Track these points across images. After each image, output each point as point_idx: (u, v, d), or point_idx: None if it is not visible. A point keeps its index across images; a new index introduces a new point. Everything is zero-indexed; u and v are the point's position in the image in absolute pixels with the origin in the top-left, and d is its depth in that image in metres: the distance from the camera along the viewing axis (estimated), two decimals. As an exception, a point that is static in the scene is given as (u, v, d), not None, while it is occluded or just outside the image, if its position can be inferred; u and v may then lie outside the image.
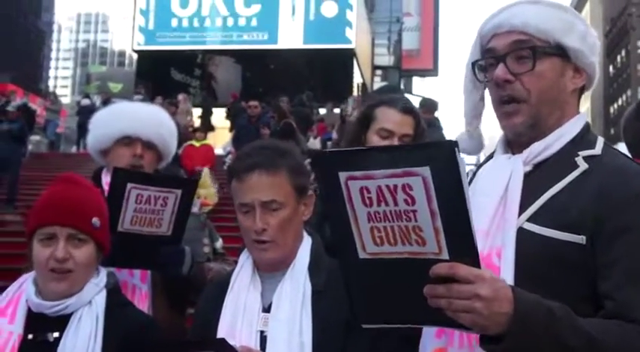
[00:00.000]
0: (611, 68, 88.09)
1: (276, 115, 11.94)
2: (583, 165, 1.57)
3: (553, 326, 1.34)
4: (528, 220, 1.54)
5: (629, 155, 2.68)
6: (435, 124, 9.29)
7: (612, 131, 78.69)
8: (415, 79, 42.97)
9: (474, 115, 1.81)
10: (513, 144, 1.70)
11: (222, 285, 1.96)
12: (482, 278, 1.29)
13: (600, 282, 1.48)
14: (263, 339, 1.81)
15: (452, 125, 30.93)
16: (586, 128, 1.67)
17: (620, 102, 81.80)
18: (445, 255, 1.29)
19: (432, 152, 1.25)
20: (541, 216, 1.53)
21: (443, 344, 1.54)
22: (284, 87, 20.04)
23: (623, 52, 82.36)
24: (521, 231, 1.53)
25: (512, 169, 1.61)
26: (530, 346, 1.33)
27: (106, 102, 21.67)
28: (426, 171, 1.24)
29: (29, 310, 2.01)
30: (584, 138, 1.64)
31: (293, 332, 1.78)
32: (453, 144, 1.23)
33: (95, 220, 2.00)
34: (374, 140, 2.74)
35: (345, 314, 1.54)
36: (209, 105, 19.13)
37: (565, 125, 1.64)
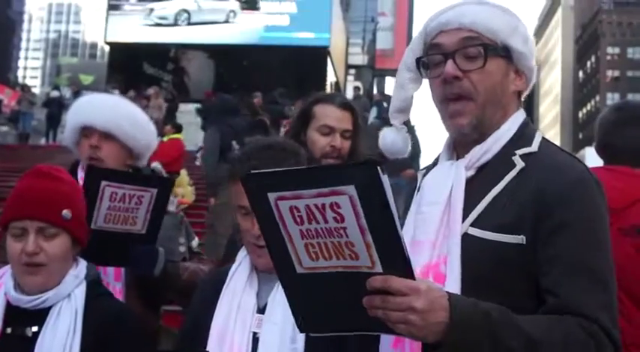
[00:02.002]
0: (581, 73, 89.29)
1: (248, 112, 11.88)
2: (520, 164, 1.58)
3: (491, 330, 1.36)
4: (472, 225, 1.55)
5: (600, 159, 2.73)
6: (409, 127, 9.30)
7: (580, 135, 79.77)
8: (388, 79, 43.16)
9: (402, 109, 1.81)
10: (457, 144, 1.70)
11: (217, 283, 1.92)
12: (417, 290, 1.31)
13: (541, 278, 1.50)
14: (255, 341, 1.78)
15: (425, 125, 31.10)
16: (524, 125, 1.68)
17: (589, 107, 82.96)
18: (378, 268, 1.31)
19: (356, 172, 1.28)
20: (483, 219, 1.55)
21: None
22: (257, 84, 19.99)
23: (593, 58, 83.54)
24: (466, 237, 1.54)
25: (454, 176, 1.62)
26: (470, 351, 1.35)
27: (76, 94, 21.48)
28: (351, 189, 1.26)
29: (8, 303, 1.99)
30: (522, 137, 1.64)
31: (285, 338, 1.74)
32: (376, 162, 1.26)
33: (66, 212, 1.97)
34: (315, 137, 2.76)
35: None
36: (175, 102, 18.97)
37: (503, 126, 1.65)
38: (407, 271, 1.32)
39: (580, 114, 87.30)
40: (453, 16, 1.65)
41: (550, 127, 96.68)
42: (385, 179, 1.25)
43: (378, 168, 1.25)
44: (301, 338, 1.73)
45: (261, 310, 1.81)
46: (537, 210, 1.51)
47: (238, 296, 1.83)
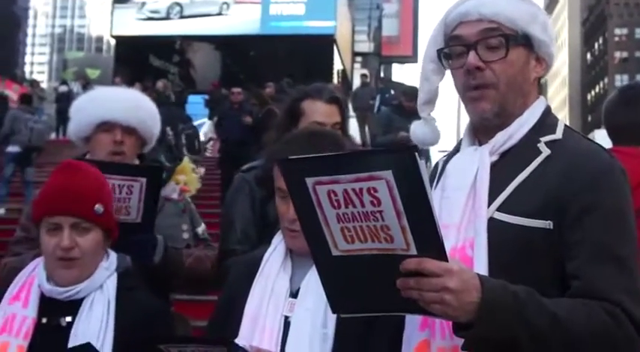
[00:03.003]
0: (588, 56, 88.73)
1: (257, 102, 11.92)
2: (545, 151, 1.61)
3: (519, 310, 1.40)
4: (498, 210, 1.58)
5: (610, 141, 2.75)
6: (417, 113, 9.33)
7: (589, 118, 79.34)
8: (395, 66, 43.08)
9: (429, 101, 1.83)
10: (479, 131, 1.73)
11: (251, 266, 1.94)
12: (450, 271, 1.35)
13: (567, 263, 1.52)
14: (287, 324, 1.79)
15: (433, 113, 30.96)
16: (546, 113, 1.71)
17: (597, 89, 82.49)
18: (413, 251, 1.35)
19: (394, 157, 1.32)
20: (509, 204, 1.57)
21: (427, 336, 1.57)
22: (264, 74, 19.99)
23: (601, 40, 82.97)
24: (492, 221, 1.57)
25: (479, 161, 1.65)
26: (499, 330, 1.39)
27: (85, 86, 21.55)
28: (389, 174, 1.30)
29: (42, 294, 2.04)
30: (544, 124, 1.68)
31: (317, 322, 1.76)
32: (413, 148, 1.30)
33: (98, 207, 2.02)
34: None
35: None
36: (184, 94, 18.98)
37: (525, 113, 1.68)
38: (440, 253, 1.36)
39: (589, 97, 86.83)
40: (473, 6, 1.67)
41: (559, 110, 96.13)
42: (422, 164, 1.28)
43: (416, 154, 1.28)
44: (332, 323, 1.75)
45: (294, 294, 1.83)
46: (564, 196, 1.54)
47: (272, 280, 1.85)
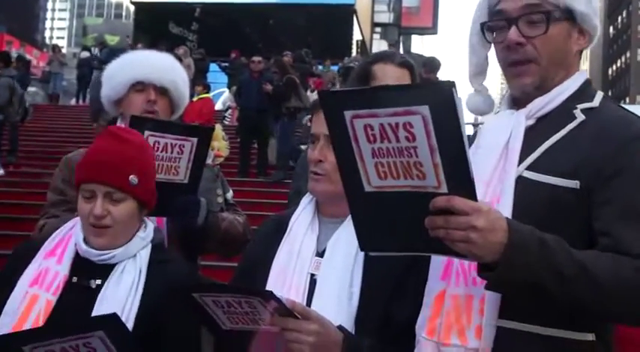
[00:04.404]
0: (611, 29, 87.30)
1: (278, 71, 11.92)
2: (580, 117, 1.65)
3: (546, 254, 1.43)
4: (528, 168, 1.61)
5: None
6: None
7: (610, 92, 78.38)
8: (414, 38, 42.63)
9: (479, 73, 1.87)
10: (519, 102, 1.76)
11: (279, 224, 1.97)
12: (479, 210, 1.38)
13: (595, 222, 1.56)
14: (313, 282, 1.82)
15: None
16: (586, 83, 1.74)
17: (619, 63, 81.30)
18: (444, 189, 1.37)
19: (431, 91, 1.34)
20: (539, 164, 1.61)
21: (445, 286, 1.61)
22: (283, 43, 19.95)
23: (625, 13, 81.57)
24: (520, 179, 1.60)
25: (514, 123, 1.68)
26: (524, 273, 1.42)
27: (102, 49, 21.65)
28: (425, 109, 1.31)
29: (77, 253, 2.07)
30: (583, 93, 1.71)
31: (344, 280, 1.78)
32: (451, 84, 1.30)
33: (132, 178, 2.02)
34: None
35: (396, 273, 1.58)
36: (205, 62, 18.96)
37: (566, 82, 1.71)
38: (471, 192, 1.37)
39: (610, 71, 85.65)
40: None
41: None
42: (459, 101, 1.30)
43: (454, 89, 1.29)
44: (358, 282, 1.77)
45: (320, 254, 1.85)
46: (595, 158, 1.57)
47: (300, 239, 1.89)
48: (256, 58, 12.35)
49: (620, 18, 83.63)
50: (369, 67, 2.83)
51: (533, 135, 1.66)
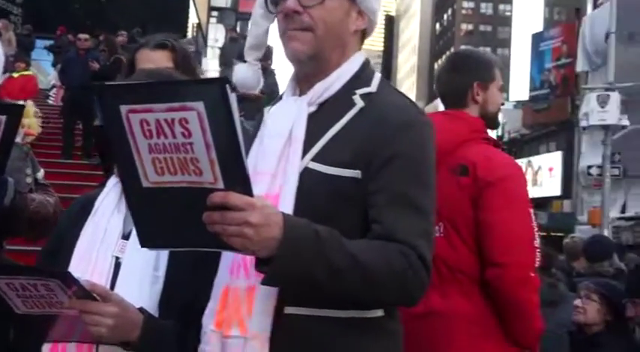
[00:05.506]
0: (437, 26, 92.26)
1: (107, 50, 11.48)
2: (360, 103, 1.66)
3: (320, 249, 1.45)
4: (313, 159, 1.62)
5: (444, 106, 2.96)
6: (268, 70, 9.43)
7: (435, 86, 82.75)
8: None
9: (256, 46, 1.87)
10: (301, 81, 1.76)
11: (85, 205, 1.92)
12: (253, 205, 1.38)
13: (369, 210, 1.59)
14: (118, 265, 1.79)
15: (287, 71, 31.05)
16: (364, 66, 1.75)
17: (444, 58, 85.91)
18: (220, 185, 1.38)
19: (205, 88, 1.34)
20: (323, 155, 1.62)
21: (229, 280, 1.62)
22: (114, 22, 19.21)
23: (450, 11, 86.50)
24: (307, 171, 1.61)
25: (296, 111, 1.69)
26: (298, 266, 1.44)
27: None
28: (200, 105, 1.31)
29: None
30: (361, 76, 1.72)
31: (148, 264, 1.76)
32: (225, 80, 1.32)
33: None
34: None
35: (197, 254, 1.57)
36: (30, 38, 17.84)
37: (343, 65, 1.72)
38: (246, 188, 1.38)
39: (436, 66, 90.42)
40: None
41: (407, 77, 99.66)
42: (233, 97, 1.30)
43: (227, 85, 1.30)
44: (163, 266, 1.76)
45: (126, 236, 1.82)
46: (371, 146, 1.60)
47: (105, 220, 1.85)
48: (83, 36, 11.85)
49: (445, 16, 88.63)
50: (133, 54, 2.83)
51: (316, 123, 1.67)
